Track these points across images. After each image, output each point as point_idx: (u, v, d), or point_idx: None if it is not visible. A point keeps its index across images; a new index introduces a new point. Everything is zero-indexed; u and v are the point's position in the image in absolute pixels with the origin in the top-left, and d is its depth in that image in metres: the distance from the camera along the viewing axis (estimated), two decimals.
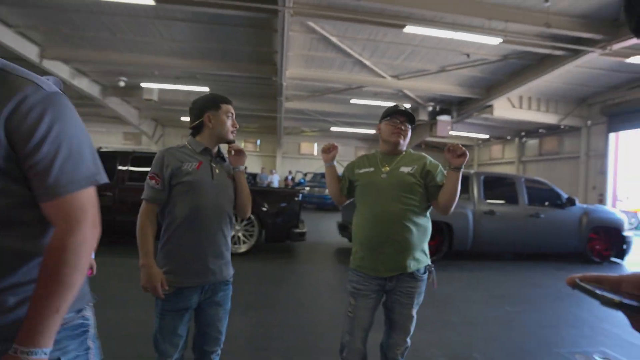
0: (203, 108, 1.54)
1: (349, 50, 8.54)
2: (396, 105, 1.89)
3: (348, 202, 2.05)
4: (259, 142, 21.30)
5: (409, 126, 1.86)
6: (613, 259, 5.92)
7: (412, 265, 1.75)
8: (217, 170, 1.54)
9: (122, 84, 11.09)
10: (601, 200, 11.79)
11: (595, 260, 5.73)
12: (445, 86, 10.81)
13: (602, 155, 12.24)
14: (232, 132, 1.58)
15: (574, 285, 0.45)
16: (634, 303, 0.40)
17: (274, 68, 9.20)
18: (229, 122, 1.56)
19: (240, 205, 1.63)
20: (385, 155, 1.88)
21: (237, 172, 1.62)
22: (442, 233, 5.04)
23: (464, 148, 1.66)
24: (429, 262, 1.82)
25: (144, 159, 5.21)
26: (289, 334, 2.70)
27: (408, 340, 1.85)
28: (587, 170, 12.81)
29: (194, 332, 1.56)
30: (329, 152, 1.94)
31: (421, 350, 2.46)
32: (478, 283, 4.33)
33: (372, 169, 1.82)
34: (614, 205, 11.52)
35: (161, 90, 11.95)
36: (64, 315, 0.69)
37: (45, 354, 0.66)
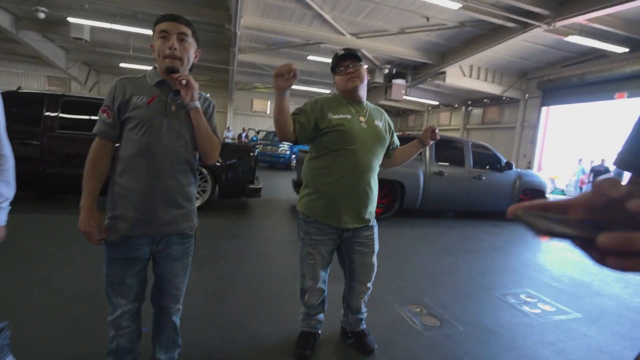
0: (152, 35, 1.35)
1: (309, 1, 8.07)
2: (335, 54, 1.76)
3: (299, 156, 1.98)
4: (208, 95, 20.15)
5: (359, 64, 1.73)
6: None
7: (369, 217, 1.82)
8: (173, 108, 1.31)
9: (41, 15, 9.41)
10: (529, 167, 13.15)
11: None
12: (403, 49, 10.85)
13: (534, 127, 13.48)
14: (166, 58, 1.27)
15: (515, 216, 0.40)
16: (568, 231, 0.34)
17: (228, 14, 8.44)
18: (161, 44, 1.27)
19: (200, 148, 1.39)
20: (350, 101, 1.77)
21: (190, 110, 1.32)
22: (394, 192, 5.26)
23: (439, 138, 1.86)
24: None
25: (76, 104, 4.57)
26: (249, 285, 2.70)
27: (370, 285, 1.94)
28: (520, 140, 14.08)
29: (153, 284, 1.46)
30: (286, 77, 1.45)
31: (377, 297, 2.61)
32: (425, 237, 4.66)
33: (349, 116, 1.71)
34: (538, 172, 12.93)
35: (94, 29, 10.41)
36: None
37: None
